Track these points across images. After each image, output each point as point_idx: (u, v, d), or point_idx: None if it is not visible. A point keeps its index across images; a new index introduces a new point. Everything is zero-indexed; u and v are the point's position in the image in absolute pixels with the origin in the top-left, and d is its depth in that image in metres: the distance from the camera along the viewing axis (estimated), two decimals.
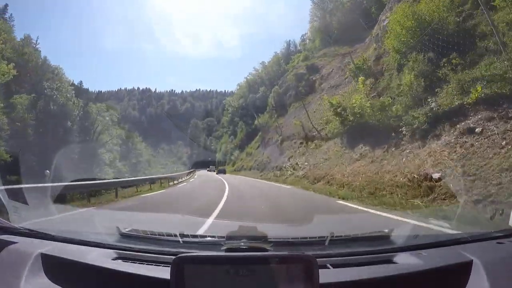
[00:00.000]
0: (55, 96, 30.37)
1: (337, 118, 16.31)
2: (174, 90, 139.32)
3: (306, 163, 19.23)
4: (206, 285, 1.03)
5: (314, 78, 28.07)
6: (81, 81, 73.49)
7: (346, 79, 21.86)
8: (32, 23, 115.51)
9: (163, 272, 1.09)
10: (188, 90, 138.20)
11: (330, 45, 32.07)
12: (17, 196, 4.69)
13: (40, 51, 34.31)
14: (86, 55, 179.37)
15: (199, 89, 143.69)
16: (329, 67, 27.24)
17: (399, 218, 5.38)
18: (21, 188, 5.97)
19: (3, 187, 4.01)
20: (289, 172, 20.75)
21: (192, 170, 40.74)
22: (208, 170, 45.58)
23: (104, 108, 41.93)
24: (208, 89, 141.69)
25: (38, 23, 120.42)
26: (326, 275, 1.09)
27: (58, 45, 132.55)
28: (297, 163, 20.58)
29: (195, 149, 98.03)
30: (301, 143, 22.87)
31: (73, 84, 40.72)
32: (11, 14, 35.78)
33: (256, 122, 35.28)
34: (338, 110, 15.93)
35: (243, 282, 1.04)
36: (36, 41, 34.61)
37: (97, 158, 33.50)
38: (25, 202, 4.66)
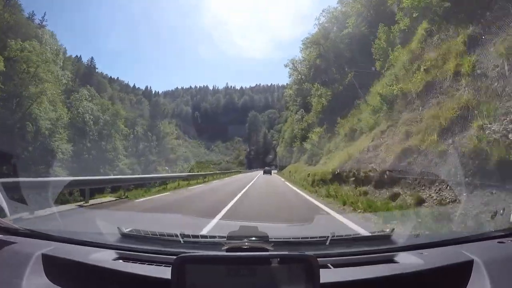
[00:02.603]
0: None
1: None
2: (233, 86, 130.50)
3: None
4: (207, 285, 1.02)
5: None
6: (92, 57, 67.29)
7: None
8: (85, 26, 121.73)
9: (164, 272, 1.09)
10: (248, 86, 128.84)
11: None
12: None
13: None
14: (146, 58, 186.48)
15: (259, 84, 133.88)
16: None
17: None
18: None
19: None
20: None
21: (192, 173, 30.00)
22: (264, 173, 35.64)
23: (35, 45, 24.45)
24: (269, 84, 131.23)
25: (100, 31, 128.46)
26: (327, 275, 1.09)
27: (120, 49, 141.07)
28: None
29: (253, 144, 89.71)
30: None
31: (68, 58, 35.40)
32: None
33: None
34: None
35: (244, 282, 1.04)
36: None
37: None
38: None
